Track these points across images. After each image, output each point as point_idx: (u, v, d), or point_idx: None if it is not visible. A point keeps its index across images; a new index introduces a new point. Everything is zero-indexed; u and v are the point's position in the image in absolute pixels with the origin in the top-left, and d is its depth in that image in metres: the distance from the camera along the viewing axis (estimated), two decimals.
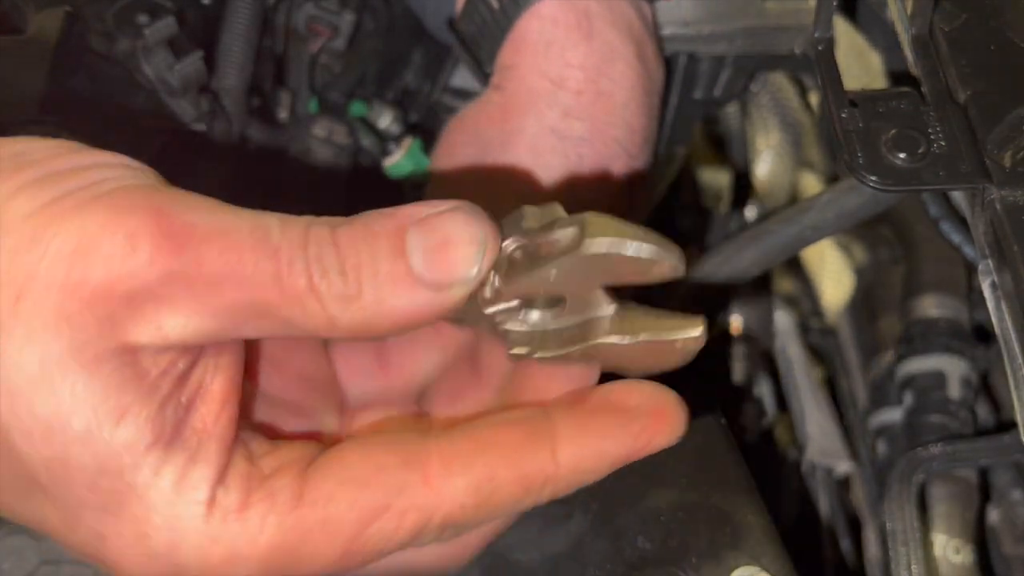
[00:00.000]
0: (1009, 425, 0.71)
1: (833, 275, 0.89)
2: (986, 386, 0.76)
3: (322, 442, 0.46)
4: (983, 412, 0.75)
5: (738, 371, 0.87)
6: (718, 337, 0.88)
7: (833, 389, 0.88)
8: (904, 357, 0.76)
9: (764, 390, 0.87)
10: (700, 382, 0.68)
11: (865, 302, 0.86)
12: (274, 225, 0.41)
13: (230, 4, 0.77)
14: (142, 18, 0.71)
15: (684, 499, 0.59)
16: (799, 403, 0.84)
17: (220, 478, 0.41)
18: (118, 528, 0.41)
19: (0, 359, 0.38)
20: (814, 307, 0.91)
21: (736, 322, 0.87)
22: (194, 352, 0.41)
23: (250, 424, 0.46)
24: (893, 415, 0.77)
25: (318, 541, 0.42)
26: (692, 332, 0.44)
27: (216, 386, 0.42)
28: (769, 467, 0.85)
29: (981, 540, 0.68)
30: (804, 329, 0.90)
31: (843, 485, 0.82)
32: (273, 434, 0.47)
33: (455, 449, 0.43)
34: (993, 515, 0.69)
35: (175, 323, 0.40)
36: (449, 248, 0.42)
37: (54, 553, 0.63)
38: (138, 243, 0.39)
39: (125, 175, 0.41)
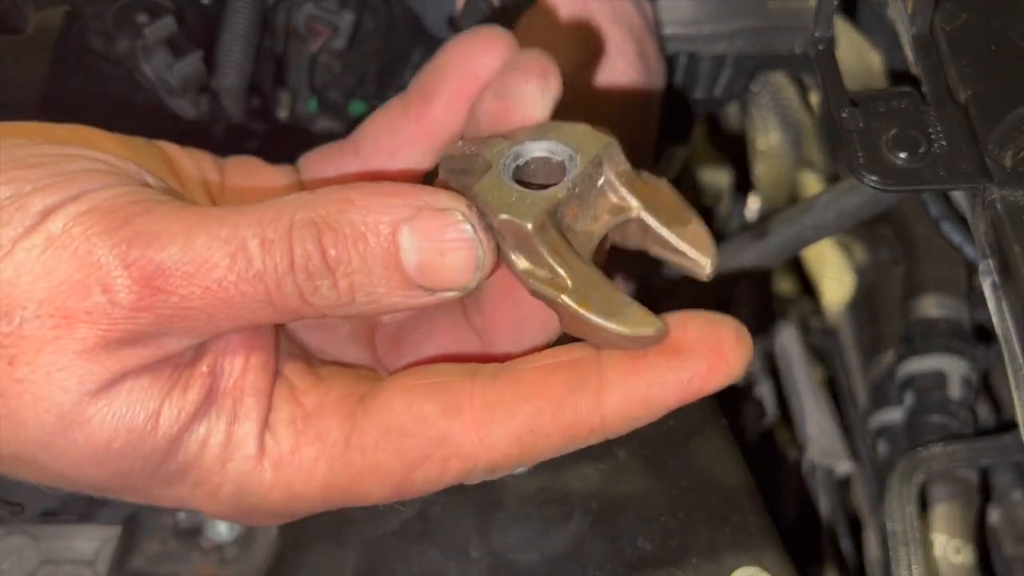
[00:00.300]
0: (1010, 425, 0.71)
1: (833, 275, 0.88)
2: (987, 386, 0.76)
3: (363, 375, 0.46)
4: (984, 412, 0.75)
5: None
6: None
7: (833, 389, 0.88)
8: (904, 357, 0.76)
9: (764, 390, 0.87)
10: None
11: (865, 302, 0.86)
12: (253, 245, 0.39)
13: (230, 4, 0.77)
14: (142, 18, 0.71)
15: (684, 499, 0.59)
16: (799, 403, 0.84)
17: (265, 427, 0.42)
18: (188, 491, 0.43)
19: (22, 412, 0.39)
20: (814, 307, 0.91)
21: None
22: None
23: (289, 352, 0.46)
24: (893, 415, 0.76)
25: (369, 483, 0.43)
26: (644, 330, 0.41)
27: (234, 341, 0.42)
28: (769, 467, 0.85)
29: (982, 540, 0.68)
30: (804, 329, 0.90)
31: (843, 485, 0.82)
32: (312, 364, 0.46)
33: (499, 397, 0.42)
34: (994, 515, 0.69)
35: (174, 343, 0.40)
36: (446, 260, 0.40)
37: (54, 553, 0.63)
38: (117, 298, 0.38)
39: (66, 202, 0.39)
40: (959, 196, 0.68)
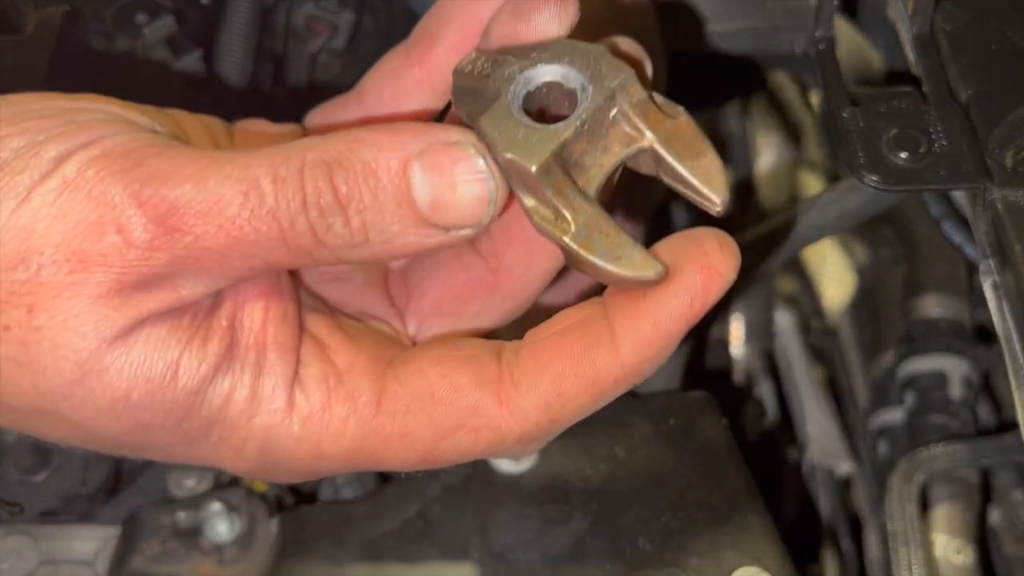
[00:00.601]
0: (1010, 425, 0.70)
1: (834, 275, 0.88)
2: (987, 386, 0.76)
3: (388, 338, 0.46)
4: (984, 412, 0.75)
5: (738, 371, 0.87)
6: (719, 337, 0.88)
7: (834, 389, 0.88)
8: (905, 357, 0.76)
9: (764, 390, 0.87)
10: (701, 382, 0.68)
11: (866, 302, 0.86)
12: (265, 183, 0.39)
13: (230, 4, 0.77)
14: (141, 17, 0.71)
15: (684, 499, 0.59)
16: (799, 403, 0.84)
17: (294, 381, 0.42)
18: (213, 449, 0.43)
19: (42, 360, 0.39)
20: (815, 307, 0.91)
21: (736, 322, 0.87)
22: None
23: (317, 309, 0.46)
24: (894, 415, 0.76)
25: (396, 448, 0.43)
26: (645, 273, 0.41)
27: (251, 295, 0.42)
28: (769, 467, 0.85)
29: (982, 540, 0.68)
30: (805, 329, 0.90)
31: (844, 485, 0.82)
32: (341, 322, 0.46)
33: (523, 370, 0.43)
34: (994, 515, 0.69)
35: (190, 288, 0.40)
36: (458, 195, 0.40)
37: (53, 553, 0.63)
38: (132, 237, 0.38)
39: (80, 147, 0.39)
40: (960, 196, 0.68)
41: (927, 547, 0.65)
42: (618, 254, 0.41)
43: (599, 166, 0.43)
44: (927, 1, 0.55)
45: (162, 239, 0.38)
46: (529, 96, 0.43)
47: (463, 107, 0.45)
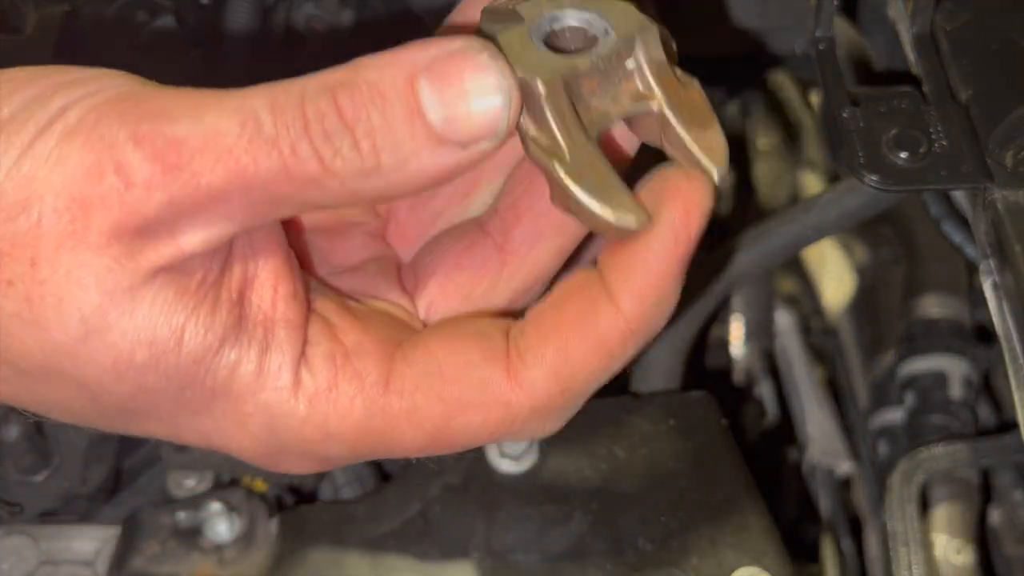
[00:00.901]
0: (1010, 425, 0.70)
1: (834, 275, 0.88)
2: (987, 386, 0.76)
3: (399, 322, 0.46)
4: (984, 412, 0.75)
5: (738, 371, 0.87)
6: (719, 337, 0.88)
7: (834, 389, 0.88)
8: (905, 357, 0.76)
9: (764, 390, 0.87)
10: (700, 382, 0.68)
11: (866, 302, 0.86)
12: (263, 112, 0.38)
13: (230, 4, 0.77)
14: (141, 17, 0.71)
15: (684, 499, 0.59)
16: (800, 403, 0.84)
17: (301, 360, 0.42)
18: (216, 424, 0.42)
19: (47, 315, 0.38)
20: (815, 307, 0.91)
21: (736, 322, 0.87)
22: (224, 249, 0.41)
23: (326, 294, 0.45)
24: (894, 415, 0.76)
25: (404, 429, 0.42)
26: (626, 219, 0.40)
27: (261, 272, 0.42)
28: (769, 467, 0.85)
29: (982, 541, 0.68)
30: (805, 329, 0.90)
31: (844, 485, 0.82)
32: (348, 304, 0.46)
33: (527, 343, 0.42)
34: (994, 516, 0.69)
35: (192, 238, 0.39)
36: (471, 102, 0.38)
37: (53, 553, 0.63)
38: (130, 176, 0.37)
39: (83, 96, 0.39)
40: (960, 196, 0.68)
41: (927, 547, 0.65)
42: (608, 195, 0.40)
43: (605, 112, 0.42)
44: (927, 1, 0.55)
45: (160, 177, 0.37)
46: (551, 34, 0.43)
47: (483, 29, 0.44)
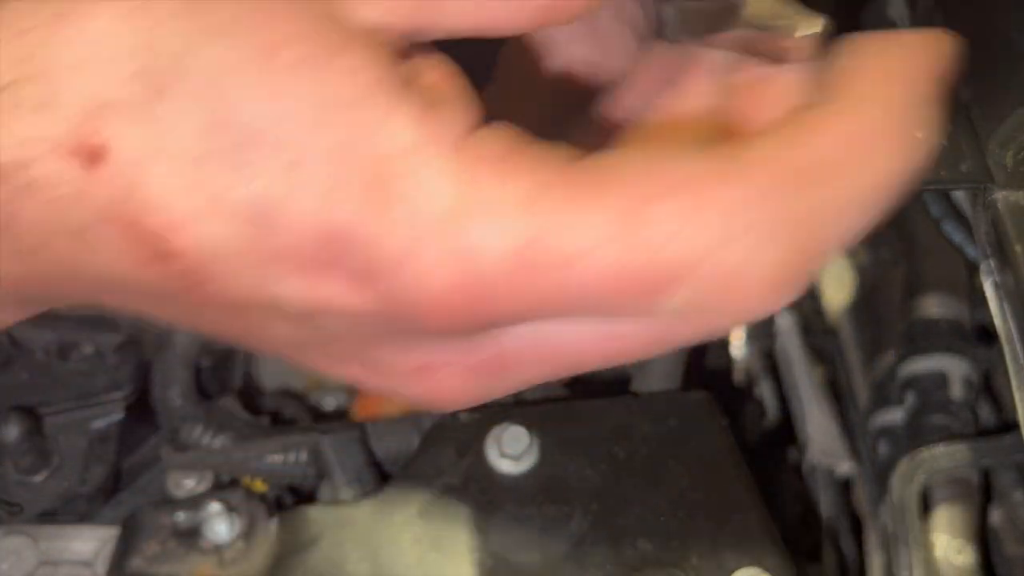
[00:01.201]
0: (1010, 425, 0.70)
1: (834, 275, 0.88)
2: (988, 386, 0.76)
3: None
4: (985, 412, 0.75)
5: (738, 371, 0.87)
6: (719, 337, 0.88)
7: (834, 389, 0.88)
8: (905, 357, 0.76)
9: (764, 390, 0.87)
10: (700, 382, 0.68)
11: (866, 302, 0.86)
12: None
13: None
14: None
15: (684, 499, 0.59)
16: (800, 403, 0.84)
17: (471, 129, 0.35)
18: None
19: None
20: (815, 307, 0.91)
21: None
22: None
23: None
24: (895, 415, 0.76)
25: (586, 203, 0.34)
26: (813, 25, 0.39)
27: (435, 69, 0.37)
28: (769, 467, 0.85)
29: (983, 541, 0.68)
30: (805, 329, 0.90)
31: (844, 485, 0.82)
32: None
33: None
34: (995, 516, 0.69)
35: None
36: None
37: (53, 554, 0.63)
38: None
39: None
40: (960, 196, 0.68)
41: (928, 547, 0.65)
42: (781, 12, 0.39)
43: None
44: (927, 1, 0.55)
45: None
46: None
47: None
